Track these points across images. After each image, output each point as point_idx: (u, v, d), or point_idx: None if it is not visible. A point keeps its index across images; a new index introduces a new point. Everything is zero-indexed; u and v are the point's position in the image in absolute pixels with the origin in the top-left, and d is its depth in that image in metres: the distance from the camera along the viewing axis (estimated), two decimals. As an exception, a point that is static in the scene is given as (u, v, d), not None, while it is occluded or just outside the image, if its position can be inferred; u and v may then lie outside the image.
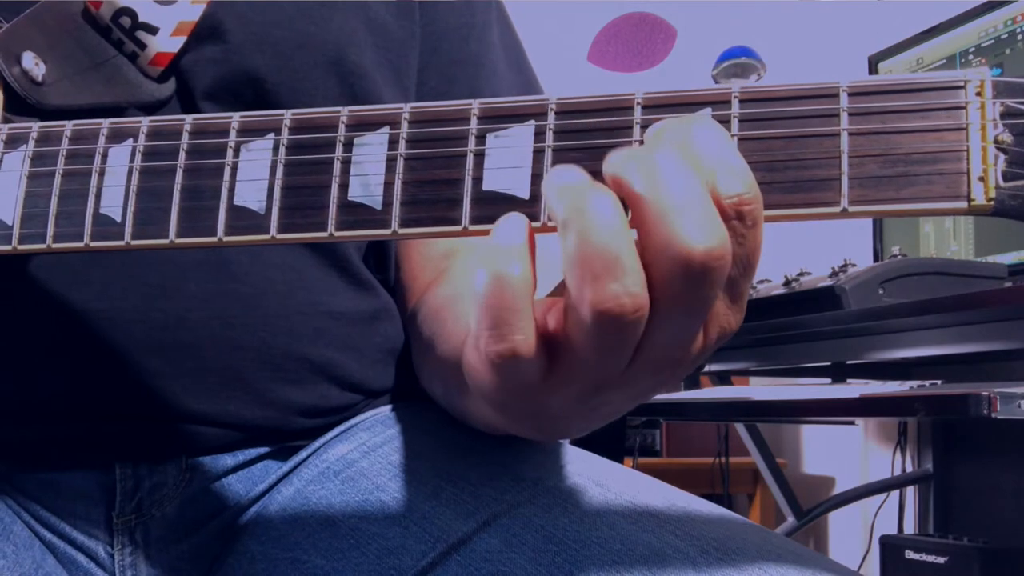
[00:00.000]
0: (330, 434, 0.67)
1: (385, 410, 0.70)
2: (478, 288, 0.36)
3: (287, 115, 0.45)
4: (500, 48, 0.77)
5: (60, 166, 0.48)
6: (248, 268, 0.63)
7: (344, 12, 0.66)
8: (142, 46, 0.60)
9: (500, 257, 0.36)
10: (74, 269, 0.60)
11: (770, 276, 1.76)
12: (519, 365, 0.37)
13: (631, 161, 0.36)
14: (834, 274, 1.47)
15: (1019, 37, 1.78)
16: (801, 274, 1.57)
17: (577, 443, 0.68)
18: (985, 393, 1.15)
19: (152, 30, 0.59)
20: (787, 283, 1.57)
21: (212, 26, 0.62)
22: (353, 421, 0.68)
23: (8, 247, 0.49)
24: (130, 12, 0.59)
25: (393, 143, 0.43)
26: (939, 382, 1.41)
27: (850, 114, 0.39)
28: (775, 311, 1.57)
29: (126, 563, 0.63)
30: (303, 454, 0.67)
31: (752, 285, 1.74)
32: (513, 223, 0.37)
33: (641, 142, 0.41)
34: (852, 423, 2.42)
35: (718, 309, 0.38)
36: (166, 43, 0.60)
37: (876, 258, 2.06)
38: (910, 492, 2.25)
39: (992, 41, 1.82)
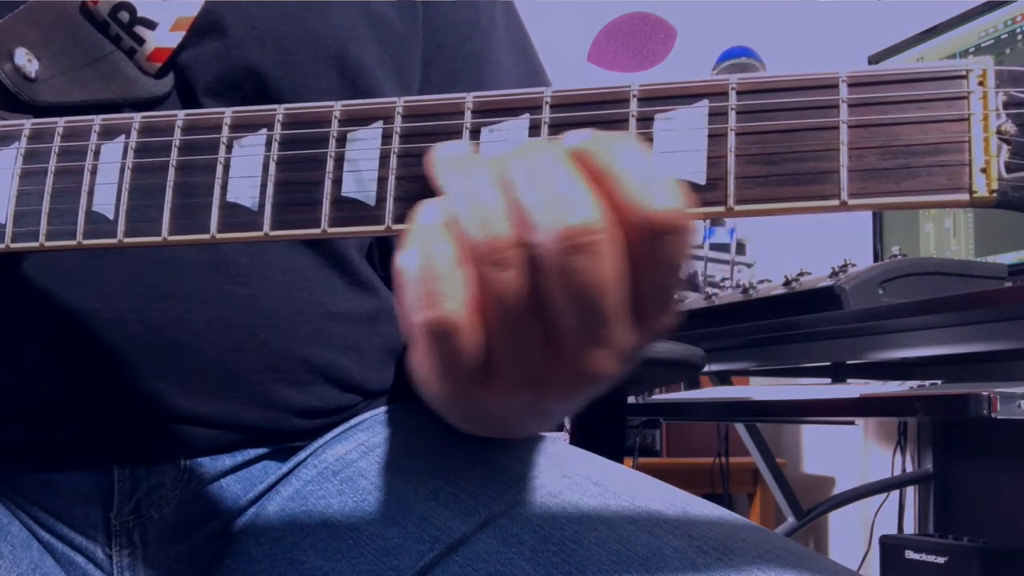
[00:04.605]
0: (329, 435, 0.67)
1: (384, 410, 0.69)
2: (406, 265, 0.39)
3: (280, 110, 0.45)
4: (506, 42, 0.76)
5: (52, 163, 0.48)
6: (247, 269, 0.63)
7: (345, 7, 0.66)
8: (140, 41, 0.59)
9: (423, 235, 0.39)
10: (71, 269, 0.59)
11: (770, 276, 1.76)
12: (454, 337, 0.39)
13: (514, 151, 0.40)
14: (834, 274, 1.47)
15: (1019, 37, 1.78)
16: (801, 274, 1.57)
17: (577, 443, 0.68)
18: (985, 393, 1.15)
19: (151, 25, 0.59)
20: (787, 283, 1.57)
21: (212, 21, 0.61)
22: (352, 422, 0.68)
23: (0, 245, 0.48)
24: (128, 7, 0.59)
25: (386, 138, 0.43)
26: (939, 382, 1.41)
27: (850, 105, 0.38)
28: (775, 311, 1.57)
29: (124, 564, 0.63)
30: (302, 455, 0.66)
31: (752, 284, 1.74)
32: (432, 206, 0.40)
33: (637, 135, 0.41)
34: (852, 423, 2.42)
35: (622, 310, 0.39)
36: (165, 38, 0.60)
37: (876, 258, 2.06)
38: (910, 492, 2.25)
39: (992, 41, 1.82)
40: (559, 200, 0.38)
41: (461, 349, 0.40)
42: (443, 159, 0.40)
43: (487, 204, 0.39)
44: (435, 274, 0.39)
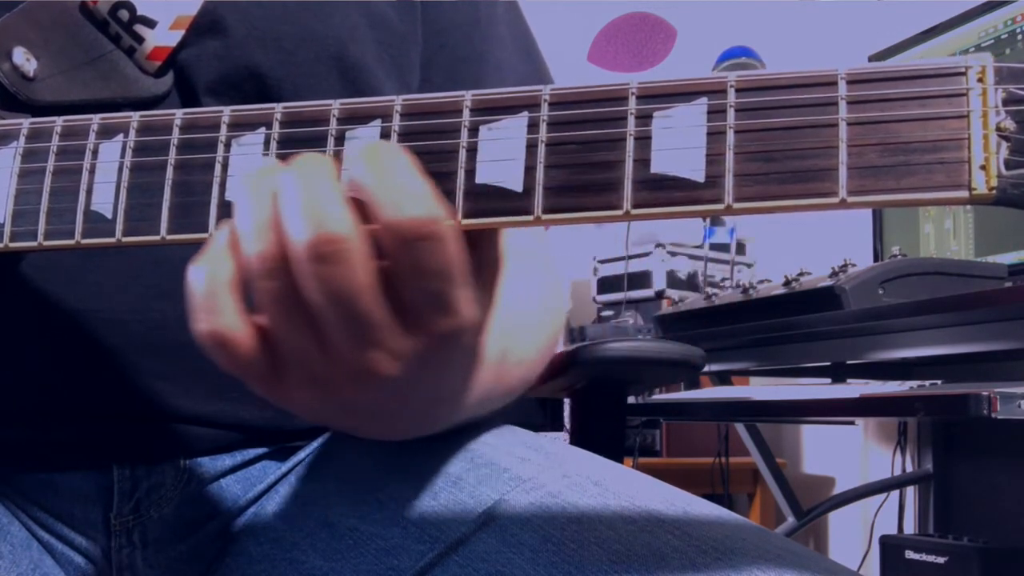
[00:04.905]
0: (328, 434, 0.67)
1: (383, 410, 0.69)
2: (191, 280, 0.42)
3: (278, 109, 0.45)
4: (508, 40, 0.76)
5: (51, 163, 0.48)
6: None
7: (345, 7, 0.66)
8: (140, 40, 0.59)
9: (211, 252, 0.42)
10: (71, 269, 0.59)
11: (770, 276, 1.76)
12: (232, 348, 0.42)
13: (290, 168, 0.42)
14: (834, 274, 1.47)
15: (1019, 37, 1.77)
16: (801, 274, 1.56)
17: (577, 443, 0.68)
18: (985, 393, 1.15)
19: (150, 23, 0.59)
20: (787, 283, 1.57)
21: (213, 20, 0.61)
22: (352, 421, 0.68)
23: (-1, 244, 0.48)
24: (128, 5, 0.59)
25: (385, 136, 0.43)
26: (939, 382, 1.41)
27: (849, 102, 0.38)
28: (775, 311, 1.56)
29: (124, 564, 0.63)
30: (301, 454, 0.66)
31: (752, 284, 1.74)
32: (224, 229, 0.43)
33: (636, 132, 0.41)
34: (852, 423, 2.42)
35: (382, 315, 0.41)
36: (164, 37, 0.60)
37: (876, 258, 2.06)
38: (910, 492, 2.25)
39: (992, 41, 1.82)
40: (309, 213, 0.40)
41: (238, 356, 0.42)
42: (237, 178, 0.43)
43: (255, 220, 0.41)
44: (213, 290, 0.42)
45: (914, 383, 1.43)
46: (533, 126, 0.41)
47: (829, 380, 1.99)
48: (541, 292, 0.66)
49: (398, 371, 0.43)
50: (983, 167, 0.36)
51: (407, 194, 0.40)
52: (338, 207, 0.40)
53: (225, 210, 0.45)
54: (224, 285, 0.42)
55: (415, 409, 0.48)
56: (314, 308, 0.41)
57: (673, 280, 2.57)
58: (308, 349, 0.42)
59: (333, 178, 0.41)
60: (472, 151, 0.42)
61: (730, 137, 0.39)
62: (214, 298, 0.42)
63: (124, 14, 0.59)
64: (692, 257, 2.60)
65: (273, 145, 0.44)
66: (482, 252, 0.45)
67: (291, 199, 0.40)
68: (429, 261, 0.40)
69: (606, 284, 2.75)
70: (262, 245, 0.41)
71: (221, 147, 0.45)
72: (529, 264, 0.68)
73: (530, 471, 0.58)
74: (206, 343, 0.42)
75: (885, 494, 2.29)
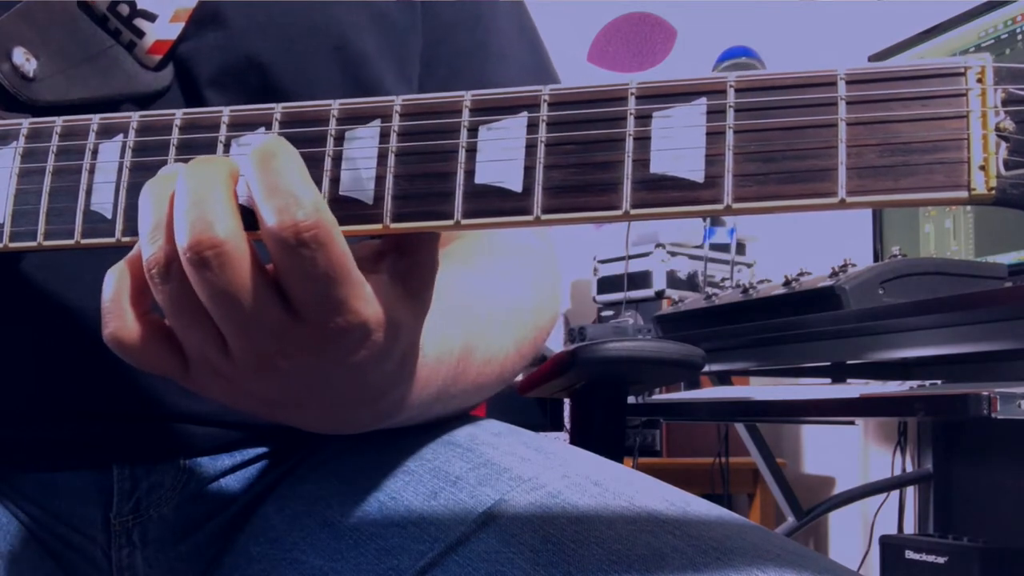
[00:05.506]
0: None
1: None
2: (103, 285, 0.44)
3: (278, 109, 0.45)
4: (511, 33, 0.76)
5: (50, 163, 0.48)
6: None
7: (346, 2, 0.66)
8: (140, 34, 0.59)
9: (116, 267, 0.44)
10: (69, 269, 0.59)
11: (770, 276, 1.76)
12: (129, 351, 0.44)
13: (187, 169, 0.43)
14: (834, 274, 1.47)
15: (1019, 37, 1.78)
16: (801, 274, 1.56)
17: (577, 443, 0.68)
18: (985, 393, 1.15)
19: (150, 17, 0.59)
20: (787, 283, 1.57)
21: (212, 12, 0.61)
22: (351, 421, 0.68)
23: (-1, 245, 0.48)
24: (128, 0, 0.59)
25: (384, 136, 0.43)
26: (939, 382, 1.41)
27: (848, 102, 0.38)
28: (775, 311, 1.56)
29: (123, 564, 0.63)
30: (301, 454, 0.66)
31: (752, 284, 1.73)
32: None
33: (636, 132, 0.41)
34: (852, 423, 2.42)
35: (270, 314, 0.42)
36: (164, 30, 0.60)
37: (876, 258, 2.06)
38: (910, 492, 2.25)
39: (992, 41, 1.82)
40: (191, 218, 0.41)
41: (137, 358, 0.44)
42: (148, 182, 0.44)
43: (149, 224, 0.42)
44: (116, 295, 0.44)
45: (914, 383, 1.43)
46: (533, 126, 0.41)
47: (829, 380, 1.99)
48: (524, 289, 0.65)
49: (294, 365, 0.44)
50: (982, 167, 0.36)
51: (287, 200, 0.40)
52: (220, 211, 0.41)
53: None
54: (124, 290, 0.44)
55: (341, 403, 0.48)
56: (206, 308, 0.42)
57: (673, 280, 2.58)
58: (205, 345, 0.43)
59: (222, 181, 0.42)
60: (472, 151, 0.42)
61: (729, 137, 0.39)
62: (116, 303, 0.44)
63: (124, 8, 0.59)
64: (692, 257, 2.60)
65: (272, 145, 0.44)
66: (416, 256, 0.45)
67: (177, 204, 0.41)
68: (311, 265, 0.40)
69: (606, 284, 2.75)
70: (152, 249, 0.42)
71: (221, 147, 0.45)
72: (514, 261, 0.68)
73: (530, 471, 0.58)
74: (109, 345, 0.44)
75: (885, 494, 2.30)
